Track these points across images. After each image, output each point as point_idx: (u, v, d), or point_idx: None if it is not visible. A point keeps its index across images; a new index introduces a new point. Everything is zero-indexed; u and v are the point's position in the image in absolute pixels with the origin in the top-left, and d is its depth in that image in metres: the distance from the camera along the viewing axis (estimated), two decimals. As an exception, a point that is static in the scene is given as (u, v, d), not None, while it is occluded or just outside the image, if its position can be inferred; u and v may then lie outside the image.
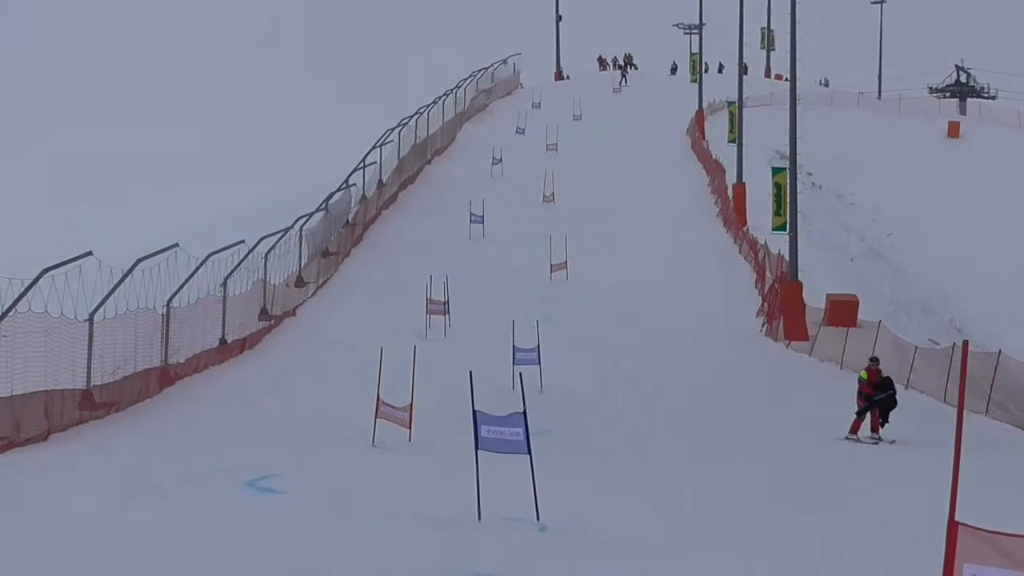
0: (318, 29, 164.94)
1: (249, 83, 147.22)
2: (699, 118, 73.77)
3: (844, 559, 13.66)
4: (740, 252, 48.40)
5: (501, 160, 63.69)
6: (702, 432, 24.10)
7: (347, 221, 49.70)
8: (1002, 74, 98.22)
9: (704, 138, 70.56)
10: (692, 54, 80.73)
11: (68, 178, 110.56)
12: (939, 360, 29.12)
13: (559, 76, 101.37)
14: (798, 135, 39.29)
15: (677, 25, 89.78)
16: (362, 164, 55.09)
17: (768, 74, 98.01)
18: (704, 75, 77.58)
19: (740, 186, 53.77)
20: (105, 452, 20.72)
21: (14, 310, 21.36)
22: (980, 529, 7.49)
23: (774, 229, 42.05)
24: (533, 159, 64.60)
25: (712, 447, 22.50)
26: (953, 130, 78.84)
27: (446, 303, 36.76)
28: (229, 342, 32.70)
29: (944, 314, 49.74)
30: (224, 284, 32.58)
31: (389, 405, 21.48)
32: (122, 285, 25.38)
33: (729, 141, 60.94)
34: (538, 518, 14.63)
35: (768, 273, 41.19)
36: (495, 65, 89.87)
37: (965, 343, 8.67)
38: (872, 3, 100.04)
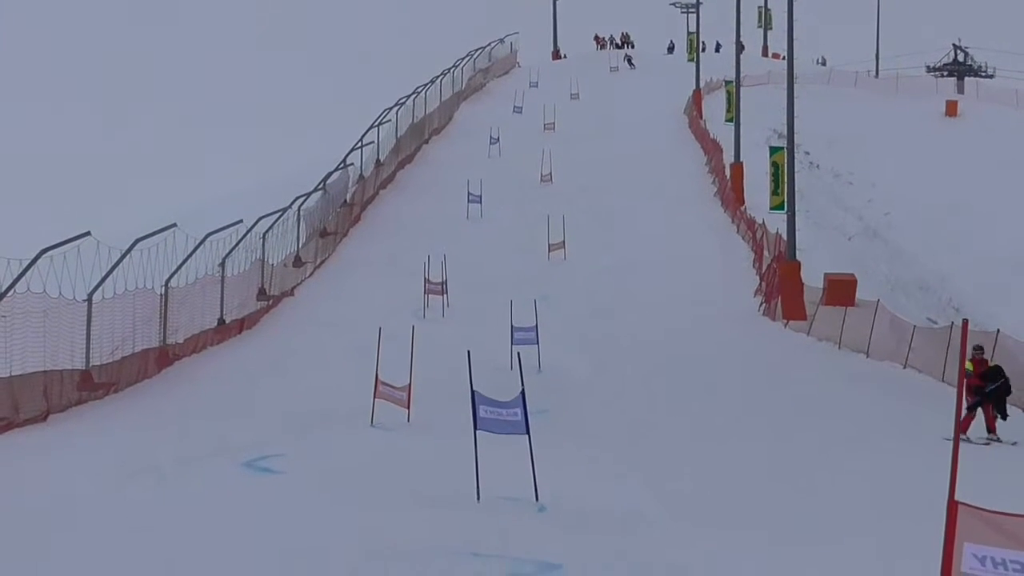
0: (314, 10, 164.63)
1: (247, 64, 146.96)
2: (696, 97, 73.66)
3: (843, 541, 13.66)
4: (738, 232, 48.38)
5: (499, 140, 63.63)
6: (700, 412, 24.07)
7: (345, 201, 49.67)
8: (1000, 53, 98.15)
9: (701, 117, 70.49)
10: (689, 33, 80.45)
11: (66, 158, 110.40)
12: (937, 339, 29.08)
13: (556, 55, 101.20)
14: (796, 114, 39.25)
15: (674, 4, 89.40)
16: (360, 144, 55.06)
17: (765, 53, 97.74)
18: (701, 54, 77.41)
19: (738, 165, 53.72)
20: (104, 433, 20.74)
21: (13, 290, 21.36)
22: (980, 509, 7.49)
23: (772, 208, 41.97)
24: (531, 139, 64.56)
25: (710, 427, 22.48)
26: (951, 109, 78.72)
27: (444, 283, 36.77)
28: (227, 322, 32.70)
29: (942, 293, 49.72)
30: (222, 264, 32.57)
31: (388, 385, 21.47)
32: (121, 265, 25.37)
33: (726, 120, 60.81)
34: (537, 498, 14.64)
35: (766, 252, 41.17)
36: (492, 44, 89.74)
37: (965, 321, 8.67)
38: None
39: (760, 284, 39.88)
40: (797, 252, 38.15)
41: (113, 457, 17.79)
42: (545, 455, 15.16)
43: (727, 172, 55.14)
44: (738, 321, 36.02)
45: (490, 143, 63.50)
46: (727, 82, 63.38)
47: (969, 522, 7.44)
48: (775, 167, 41.84)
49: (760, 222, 44.29)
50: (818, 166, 65.23)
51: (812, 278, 36.77)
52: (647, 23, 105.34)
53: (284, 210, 39.58)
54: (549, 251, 43.78)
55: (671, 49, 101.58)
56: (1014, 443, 20.86)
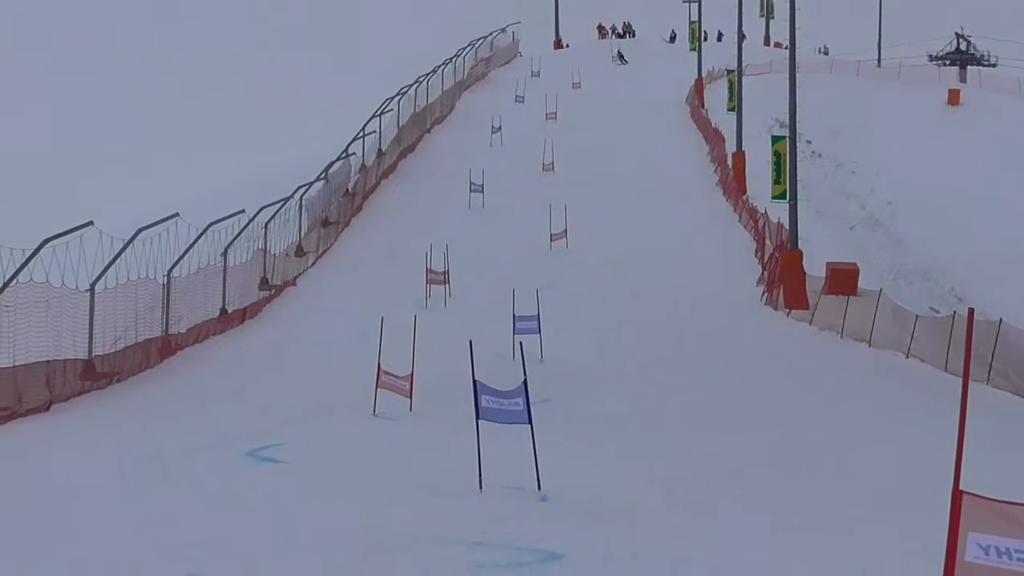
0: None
1: (248, 53, 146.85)
2: (698, 86, 73.59)
3: (845, 530, 13.66)
4: (740, 221, 48.33)
5: (500, 129, 63.56)
6: (702, 401, 24.08)
7: (347, 190, 49.66)
8: (1002, 41, 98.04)
9: (703, 106, 70.41)
10: (691, 22, 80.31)
11: (68, 148, 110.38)
12: (940, 328, 29.07)
13: (558, 45, 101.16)
14: (798, 103, 39.19)
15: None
16: (361, 133, 55.02)
17: (767, 42, 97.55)
18: (703, 43, 77.33)
19: (740, 154, 53.66)
20: (107, 422, 20.74)
21: (15, 280, 21.37)
22: (985, 498, 7.47)
23: (774, 198, 41.92)
24: (532, 128, 64.50)
25: (712, 417, 22.49)
26: (953, 98, 78.57)
27: (446, 272, 36.75)
28: (230, 312, 32.70)
29: (944, 282, 49.70)
30: (224, 254, 32.57)
31: (390, 374, 21.47)
32: (123, 255, 25.37)
33: (728, 109, 60.74)
34: (539, 488, 14.65)
35: (768, 242, 41.12)
36: (494, 34, 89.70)
37: (970, 311, 8.63)
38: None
39: (762, 273, 39.84)
40: (799, 241, 38.12)
41: (116, 446, 17.79)
42: (547, 444, 15.16)
43: (729, 161, 55.07)
44: (740, 310, 35.99)
45: (492, 132, 63.42)
46: (729, 71, 63.31)
47: (974, 511, 7.42)
48: (777, 156, 41.79)
49: (762, 211, 44.25)
50: (820, 155, 65.17)
51: (814, 267, 36.74)
52: (649, 12, 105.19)
53: (286, 200, 39.57)
54: (551, 240, 43.74)
55: (673, 38, 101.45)
56: None
